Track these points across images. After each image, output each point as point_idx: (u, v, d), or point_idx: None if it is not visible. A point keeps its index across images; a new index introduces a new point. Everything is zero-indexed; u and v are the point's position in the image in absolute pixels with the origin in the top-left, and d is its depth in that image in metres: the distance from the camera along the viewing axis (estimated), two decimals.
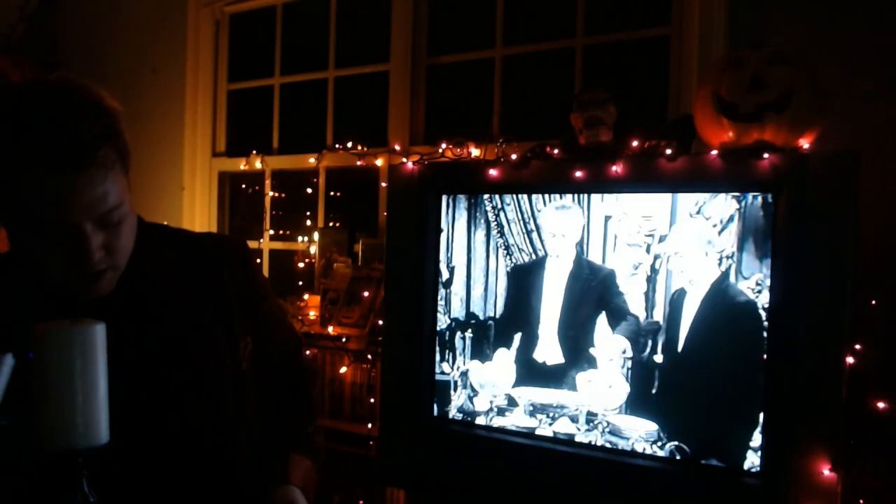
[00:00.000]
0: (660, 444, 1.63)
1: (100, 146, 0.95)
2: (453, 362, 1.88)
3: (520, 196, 1.78)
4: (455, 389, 1.88)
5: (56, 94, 0.97)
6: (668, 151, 1.60)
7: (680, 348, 1.60)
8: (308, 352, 2.42)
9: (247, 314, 1.24)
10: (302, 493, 1.18)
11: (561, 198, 1.73)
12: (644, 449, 1.64)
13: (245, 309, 1.23)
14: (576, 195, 1.71)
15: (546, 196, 1.74)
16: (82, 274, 1.01)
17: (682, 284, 1.60)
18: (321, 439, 1.35)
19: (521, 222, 1.79)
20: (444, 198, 1.87)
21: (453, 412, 1.88)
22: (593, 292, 1.70)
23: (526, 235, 1.78)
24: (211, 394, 1.16)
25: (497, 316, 1.82)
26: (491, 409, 1.83)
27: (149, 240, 1.14)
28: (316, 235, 2.84)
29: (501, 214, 1.81)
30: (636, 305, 1.64)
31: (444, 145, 2.01)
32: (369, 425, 2.30)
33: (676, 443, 1.61)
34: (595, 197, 1.69)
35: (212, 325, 1.18)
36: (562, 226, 1.73)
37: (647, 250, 1.63)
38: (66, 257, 0.99)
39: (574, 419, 1.72)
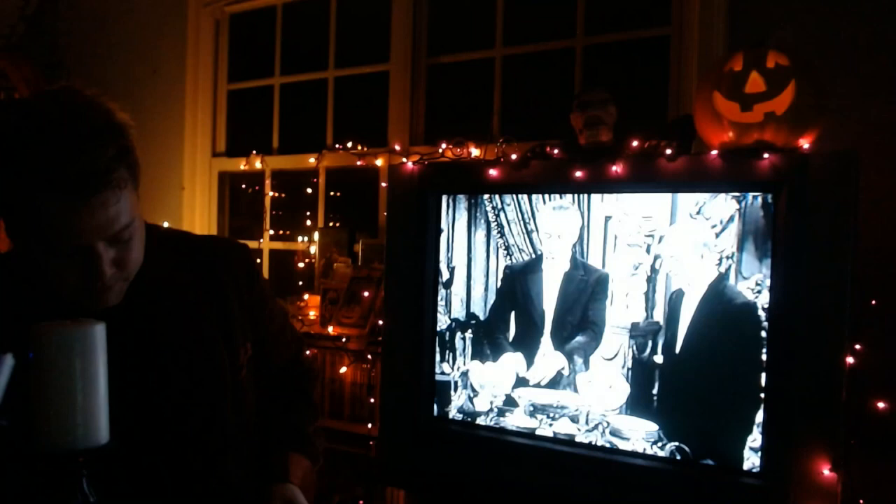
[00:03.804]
0: (660, 444, 1.62)
1: (115, 168, 0.94)
2: (453, 362, 1.88)
3: (520, 196, 1.78)
4: (455, 390, 1.88)
5: (70, 113, 0.94)
6: (668, 151, 1.60)
7: (680, 349, 1.60)
8: (308, 352, 2.42)
9: (249, 319, 1.23)
10: (301, 492, 1.18)
11: (561, 197, 1.73)
12: (644, 449, 1.64)
13: (247, 314, 1.23)
14: (574, 195, 1.71)
15: (545, 196, 1.74)
16: (94, 289, 1.01)
17: (682, 285, 1.60)
18: (321, 441, 1.35)
19: (521, 222, 1.79)
20: (444, 198, 1.87)
21: (453, 412, 1.88)
22: (585, 294, 1.70)
23: (526, 236, 1.78)
24: (207, 398, 1.16)
25: (490, 317, 1.82)
26: (491, 410, 1.83)
27: (150, 243, 1.13)
28: (316, 235, 2.84)
29: (501, 214, 1.81)
30: (636, 306, 1.65)
31: (444, 145, 2.01)
32: (369, 425, 2.30)
33: (677, 443, 1.61)
34: (595, 197, 1.69)
35: (212, 330, 1.17)
36: (559, 226, 1.73)
37: (647, 250, 1.63)
38: (78, 274, 0.99)
39: (574, 419, 1.72)
